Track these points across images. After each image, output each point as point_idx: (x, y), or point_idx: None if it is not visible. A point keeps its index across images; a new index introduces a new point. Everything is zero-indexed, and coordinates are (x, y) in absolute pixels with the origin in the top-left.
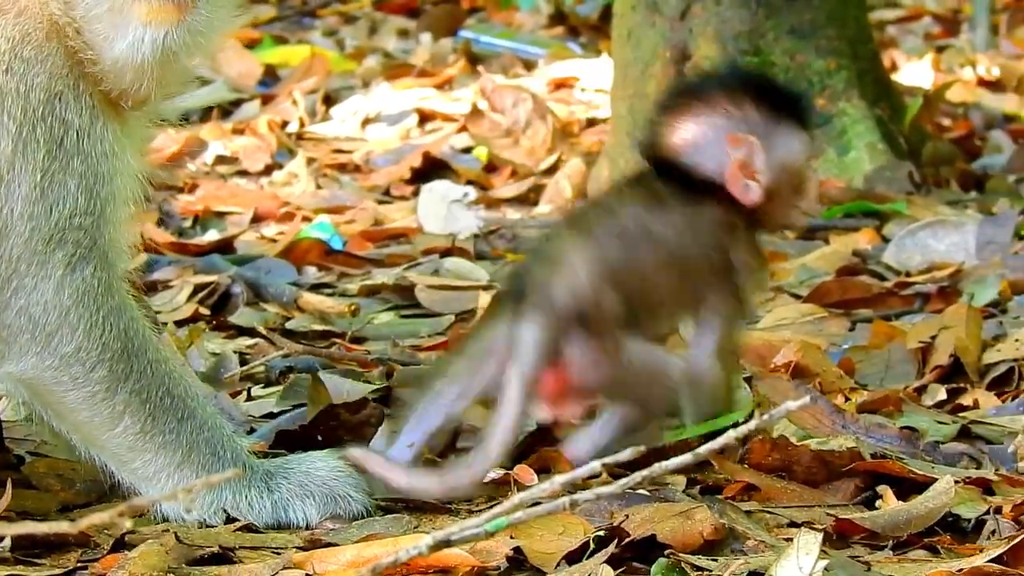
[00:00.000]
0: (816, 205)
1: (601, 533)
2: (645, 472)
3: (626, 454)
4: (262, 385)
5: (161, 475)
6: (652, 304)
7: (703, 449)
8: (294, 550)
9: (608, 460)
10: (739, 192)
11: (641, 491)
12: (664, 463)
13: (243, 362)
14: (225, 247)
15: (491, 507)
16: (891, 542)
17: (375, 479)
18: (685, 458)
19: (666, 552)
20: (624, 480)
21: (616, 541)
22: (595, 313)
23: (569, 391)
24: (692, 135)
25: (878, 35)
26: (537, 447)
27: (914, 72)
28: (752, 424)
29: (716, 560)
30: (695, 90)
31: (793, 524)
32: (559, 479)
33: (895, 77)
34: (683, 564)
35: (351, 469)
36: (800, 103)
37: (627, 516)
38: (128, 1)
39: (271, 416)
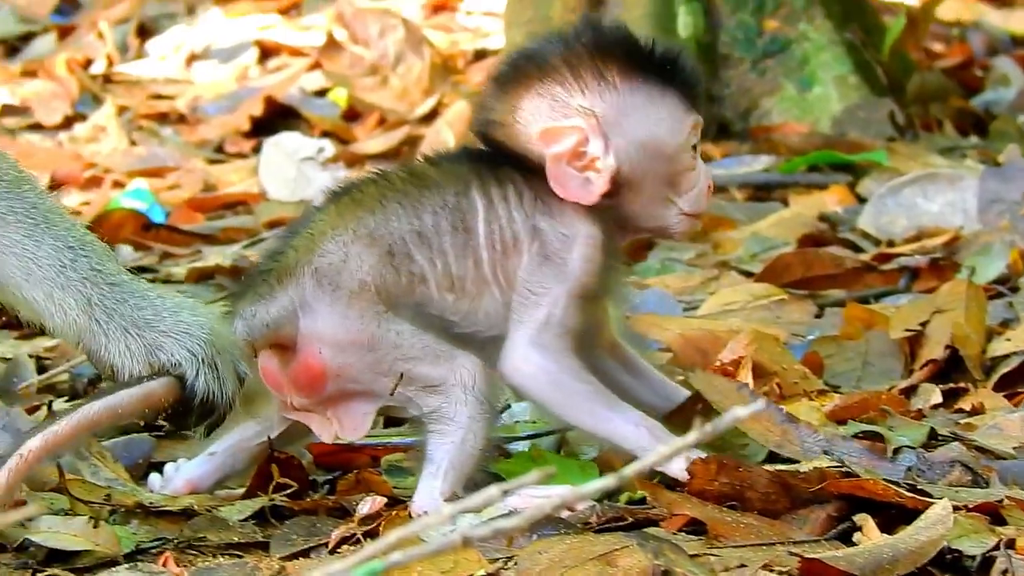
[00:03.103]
0: (704, 204)
1: None
2: (556, 498)
3: (531, 477)
4: (66, 398)
5: None
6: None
7: (630, 470)
8: None
9: (509, 485)
10: (573, 193)
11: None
12: (580, 488)
13: (41, 369)
14: None
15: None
16: None
17: None
18: (607, 481)
19: None
20: (530, 508)
21: None
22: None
23: (316, 377)
24: (518, 114)
25: None
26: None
27: None
28: (690, 438)
29: None
30: (531, 55)
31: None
32: (448, 508)
33: None
34: None
35: None
36: (669, 59)
37: (527, 558)
38: None
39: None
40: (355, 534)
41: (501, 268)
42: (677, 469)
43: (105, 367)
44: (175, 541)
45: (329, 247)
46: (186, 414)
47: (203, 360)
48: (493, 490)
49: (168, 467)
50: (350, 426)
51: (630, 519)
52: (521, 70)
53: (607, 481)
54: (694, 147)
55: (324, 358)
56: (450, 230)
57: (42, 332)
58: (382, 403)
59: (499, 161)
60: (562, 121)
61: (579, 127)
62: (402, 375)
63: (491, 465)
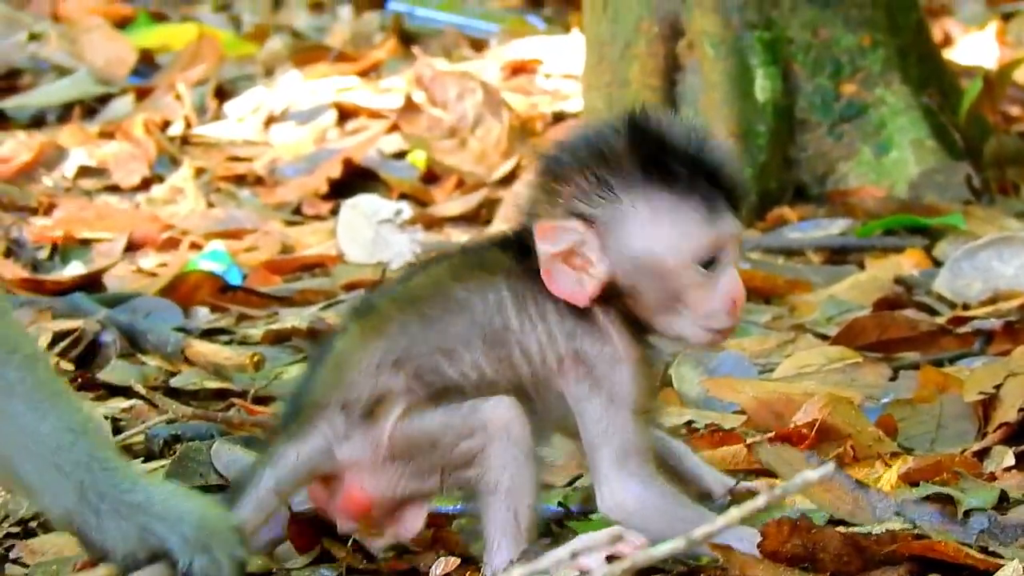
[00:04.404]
0: (734, 318)
1: None
2: (626, 563)
3: (602, 537)
4: (142, 459)
5: None
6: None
7: (699, 533)
8: None
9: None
10: (565, 291)
11: None
12: (651, 550)
13: (117, 430)
14: (92, 284)
15: None
16: None
17: None
18: (677, 543)
19: None
20: (599, 570)
21: None
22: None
23: (363, 508)
24: (532, 207)
25: (926, 1)
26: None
27: (973, 47)
28: (760, 501)
29: None
30: (561, 148)
31: None
32: (519, 571)
33: (948, 54)
34: None
35: None
36: (703, 165)
37: None
38: None
39: None
40: None
41: (543, 385)
42: (747, 544)
43: (97, 550)
44: None
45: (356, 380)
46: None
47: (196, 545)
48: (562, 552)
49: None
50: (404, 531)
51: None
52: (548, 164)
53: (677, 543)
54: (711, 261)
55: (367, 489)
56: (482, 347)
57: (116, 393)
58: (432, 497)
59: (531, 271)
60: (563, 221)
61: (577, 229)
62: (443, 469)
63: (565, 521)
